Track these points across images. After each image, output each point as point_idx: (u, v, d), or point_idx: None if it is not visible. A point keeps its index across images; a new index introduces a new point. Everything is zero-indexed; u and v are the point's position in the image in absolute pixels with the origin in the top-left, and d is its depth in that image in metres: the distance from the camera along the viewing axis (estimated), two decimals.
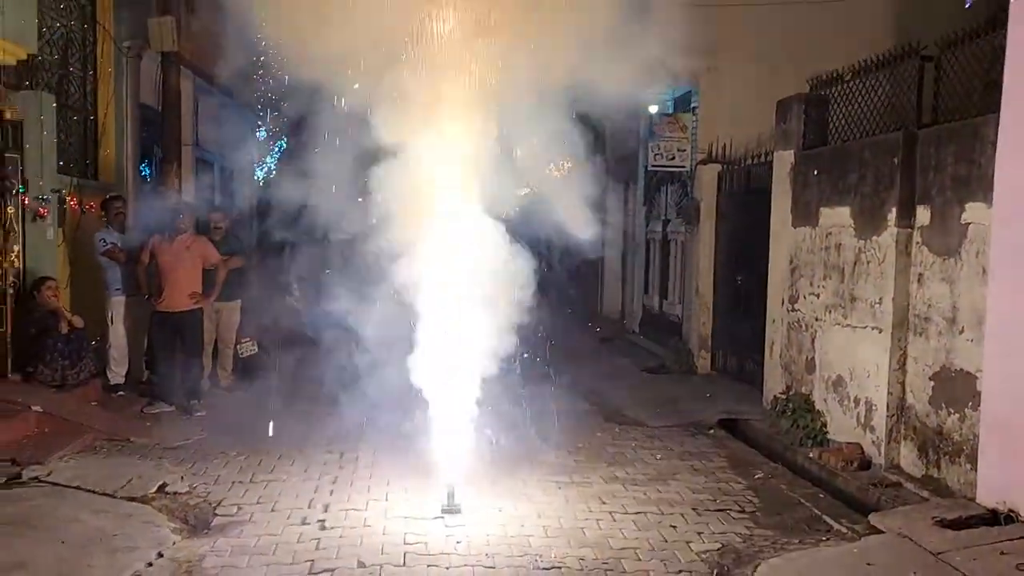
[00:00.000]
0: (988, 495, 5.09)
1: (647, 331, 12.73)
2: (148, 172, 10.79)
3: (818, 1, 10.03)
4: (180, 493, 5.63)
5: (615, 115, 13.36)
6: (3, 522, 4.80)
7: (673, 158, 10.82)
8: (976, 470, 5.27)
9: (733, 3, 10.06)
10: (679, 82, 10.63)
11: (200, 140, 12.20)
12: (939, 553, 4.55)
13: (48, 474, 5.79)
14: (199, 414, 7.76)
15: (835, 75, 7.35)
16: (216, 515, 5.29)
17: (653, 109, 11.58)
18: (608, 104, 12.32)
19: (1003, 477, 5.00)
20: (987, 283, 5.24)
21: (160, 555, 4.59)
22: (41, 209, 7.74)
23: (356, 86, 5.84)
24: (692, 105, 10.96)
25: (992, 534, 4.72)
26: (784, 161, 7.99)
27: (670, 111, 11.30)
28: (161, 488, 5.67)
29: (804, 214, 7.55)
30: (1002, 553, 4.46)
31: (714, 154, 10.32)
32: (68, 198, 8.33)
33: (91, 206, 8.78)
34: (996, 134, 5.16)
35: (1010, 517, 4.87)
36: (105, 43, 9.39)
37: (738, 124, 9.88)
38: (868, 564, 4.60)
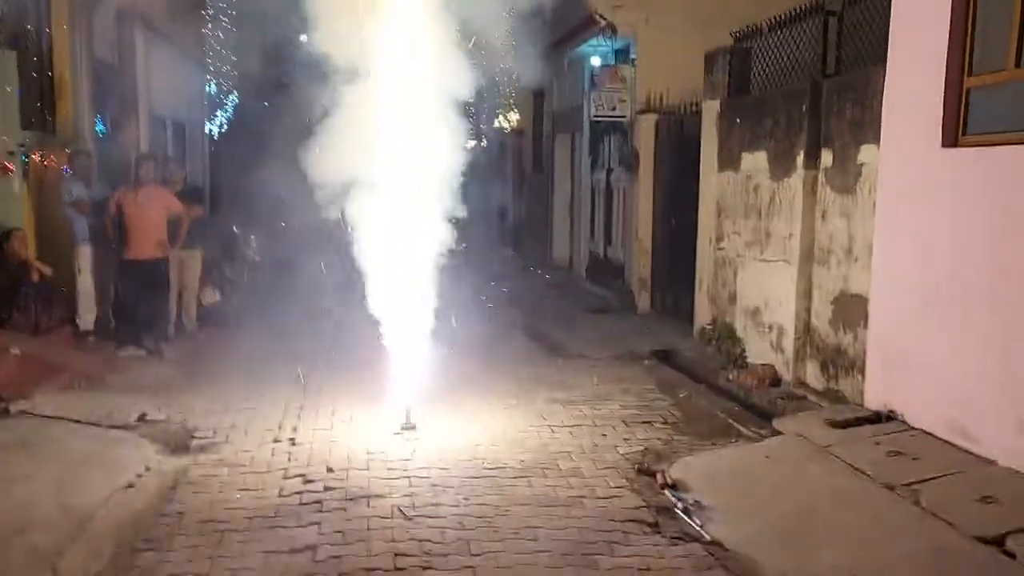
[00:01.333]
0: (873, 400, 5.89)
1: (593, 275, 13.42)
2: (104, 127, 11.04)
3: None
4: (159, 421, 6.18)
5: (559, 67, 13.90)
6: (4, 445, 5.31)
7: (614, 108, 11.36)
8: (865, 380, 6.06)
9: None
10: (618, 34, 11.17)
11: (153, 94, 12.40)
12: (826, 446, 5.33)
13: (34, 408, 6.27)
14: (169, 356, 8.25)
15: (755, 28, 7.97)
16: (194, 438, 5.86)
17: (596, 61, 12.12)
18: (552, 55, 12.81)
19: (884, 384, 5.80)
20: (875, 214, 5.97)
21: (148, 468, 5.17)
22: (7, 164, 8.05)
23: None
24: (631, 57, 11.50)
25: (871, 430, 5.52)
26: (712, 110, 8.63)
27: (610, 63, 11.83)
28: (141, 418, 6.20)
29: (728, 159, 8.22)
30: (876, 443, 5.25)
31: (652, 104, 10.91)
32: (31, 153, 8.62)
33: (52, 160, 9.08)
34: (883, 83, 5.84)
35: (889, 417, 5.67)
36: None
37: (674, 75, 10.44)
38: (767, 457, 5.38)
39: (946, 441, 5.14)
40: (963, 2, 5.13)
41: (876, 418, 5.70)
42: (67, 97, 9.84)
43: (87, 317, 8.63)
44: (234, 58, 16.36)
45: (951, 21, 5.17)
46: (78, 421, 6.02)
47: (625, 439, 5.87)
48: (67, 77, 9.73)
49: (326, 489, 4.87)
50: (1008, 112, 4.93)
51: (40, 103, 9.50)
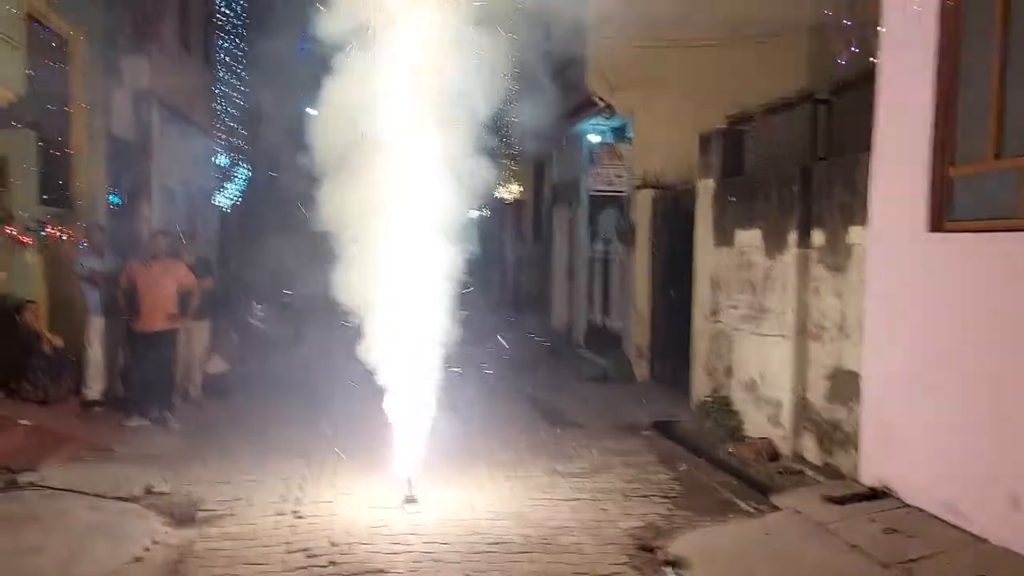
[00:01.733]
0: (868, 476, 5.99)
1: (591, 344, 13.59)
2: (118, 200, 11.35)
3: (740, 42, 11.05)
4: (164, 493, 6.25)
5: (559, 141, 14.32)
6: (13, 517, 5.40)
7: (612, 183, 11.72)
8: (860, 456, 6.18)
9: (664, 44, 11.02)
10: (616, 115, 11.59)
11: (165, 168, 12.77)
12: (823, 523, 5.42)
13: (42, 479, 6.36)
14: (174, 426, 8.35)
15: (748, 114, 8.32)
16: (199, 511, 5.93)
17: (594, 139, 12.53)
18: (552, 131, 13.21)
19: (878, 460, 5.91)
20: (864, 295, 6.17)
21: (155, 542, 5.24)
22: (24, 238, 8.31)
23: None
24: (628, 135, 11.89)
25: (867, 507, 5.60)
26: (706, 188, 8.92)
27: (609, 141, 12.22)
28: (147, 489, 6.29)
29: (723, 235, 8.47)
30: (872, 521, 5.34)
31: (648, 181, 11.26)
32: (47, 227, 8.89)
33: (68, 234, 9.35)
34: (870, 168, 6.11)
35: (884, 493, 5.76)
36: (79, 80, 9.98)
37: (670, 153, 10.83)
38: (765, 534, 5.46)
39: (940, 519, 5.22)
40: (944, 96, 5.42)
41: (872, 494, 5.79)
42: (83, 173, 10.19)
43: (95, 387, 8.77)
44: (243, 132, 16.85)
45: (934, 113, 5.45)
46: (85, 493, 6.10)
47: (626, 514, 5.95)
48: (84, 154, 10.09)
49: (329, 564, 4.94)
50: (990, 200, 5.17)
51: (57, 178, 9.83)
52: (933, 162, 5.49)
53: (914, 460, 5.56)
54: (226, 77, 16.27)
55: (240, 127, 17.38)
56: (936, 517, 5.26)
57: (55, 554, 4.89)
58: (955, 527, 5.07)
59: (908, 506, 5.52)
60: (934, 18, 5.38)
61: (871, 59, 5.97)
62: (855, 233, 6.42)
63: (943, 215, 5.48)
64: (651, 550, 5.23)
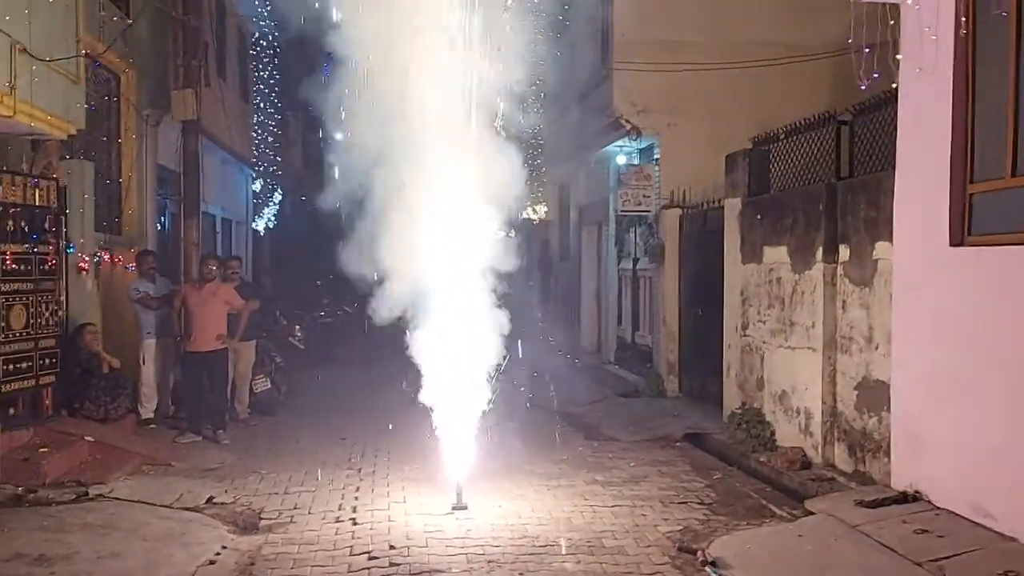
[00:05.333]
0: (899, 481, 6.23)
1: (621, 360, 13.86)
2: (165, 226, 11.84)
3: (764, 64, 11.39)
4: (227, 504, 6.62)
5: (587, 166, 14.71)
6: (91, 526, 5.77)
7: (639, 204, 12.04)
8: (891, 462, 6.42)
9: (690, 67, 11.39)
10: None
11: (207, 195, 13.28)
12: (856, 526, 5.68)
13: (110, 492, 6.76)
14: (225, 442, 8.73)
15: (772, 134, 8.63)
16: (261, 519, 6.28)
17: (621, 160, 12.88)
18: (580, 152, 13.60)
19: (908, 466, 6.16)
20: (892, 308, 6.45)
21: (224, 547, 5.58)
22: (82, 263, 8.76)
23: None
24: (655, 156, 12.23)
25: (898, 510, 5.85)
26: (733, 207, 9.23)
27: (636, 162, 12.57)
28: (209, 500, 6.67)
29: (751, 252, 8.76)
30: (903, 522, 5.59)
31: (675, 200, 11.57)
32: (103, 253, 9.35)
33: (119, 259, 9.81)
34: (893, 186, 6.40)
35: (915, 497, 6.00)
36: (129, 113, 10.49)
37: (696, 173, 11.13)
38: (800, 536, 5.72)
39: (969, 520, 5.47)
40: (962, 117, 5.72)
41: (903, 498, 6.03)
42: (133, 201, 10.68)
43: (149, 406, 9.18)
44: (278, 158, 17.37)
45: (952, 134, 5.75)
46: (153, 504, 6.48)
47: (664, 519, 6.23)
48: (134, 183, 10.58)
49: (391, 565, 5.27)
50: (1008, 215, 5.45)
51: (109, 206, 10.31)
52: (953, 180, 5.78)
53: (943, 465, 5.80)
54: (261, 106, 16.84)
55: (274, 153, 17.93)
56: (966, 518, 5.50)
57: (136, 559, 5.25)
58: (984, 527, 5.31)
59: (938, 508, 5.76)
60: (951, 44, 5.69)
61: (893, 84, 6.26)
62: (880, 248, 6.69)
63: (964, 230, 5.76)
64: (691, 551, 5.50)
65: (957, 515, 5.58)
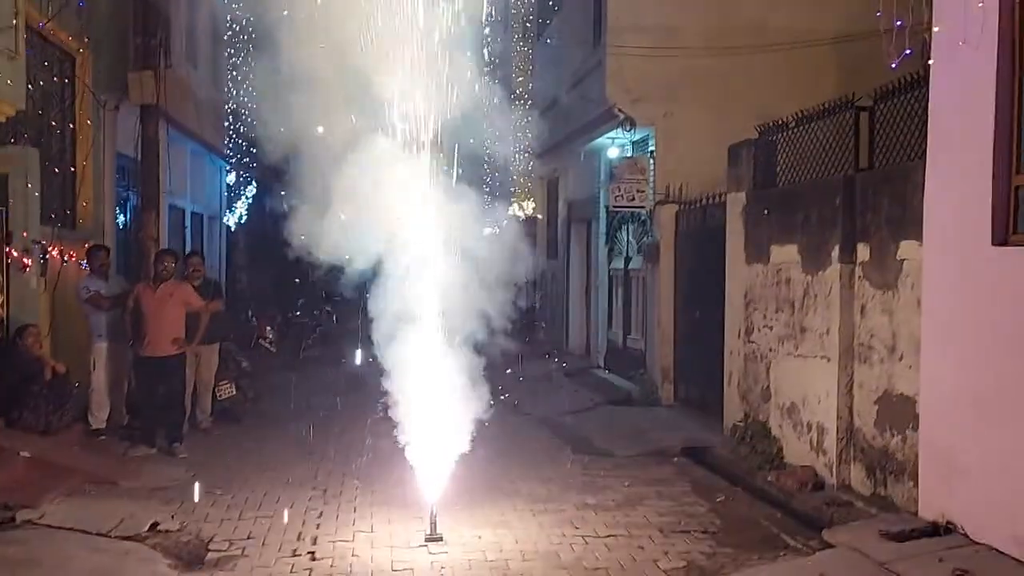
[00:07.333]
0: (928, 510, 5.54)
1: (612, 364, 13.16)
2: (124, 220, 11.03)
3: (765, 50, 10.72)
4: (172, 531, 5.85)
5: (575, 156, 14.01)
6: (8, 561, 5.01)
7: (633, 199, 11.32)
8: (918, 487, 5.73)
9: (686, 52, 10.70)
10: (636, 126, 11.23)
11: (173, 187, 12.47)
12: (884, 563, 4.98)
13: (41, 517, 5.97)
14: (182, 456, 7.96)
15: (781, 122, 7.93)
16: (209, 550, 5.53)
17: (613, 152, 12.16)
18: (568, 145, 12.94)
19: (941, 493, 5.47)
20: (921, 314, 5.75)
21: None
22: (25, 260, 7.96)
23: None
24: (649, 148, 11.52)
25: (932, 544, 5.17)
26: (737, 202, 8.53)
27: (629, 154, 11.85)
28: (153, 527, 5.88)
29: (756, 251, 8.07)
30: (940, 560, 4.90)
31: (671, 195, 10.87)
32: (49, 248, 8.55)
33: (71, 255, 9.01)
34: (924, 178, 5.71)
35: (948, 529, 5.32)
36: (84, 96, 9.68)
37: (694, 166, 10.45)
38: (821, 575, 5.01)
39: (1013, 558, 4.79)
40: (1008, 100, 5.03)
41: (933, 530, 5.35)
42: (89, 192, 9.86)
43: (99, 415, 8.41)
44: (252, 149, 16.57)
45: (995, 118, 5.06)
46: (87, 532, 5.71)
47: (665, 552, 5.52)
48: (88, 172, 9.76)
49: None
50: None
51: (60, 198, 9.50)
52: (996, 170, 5.09)
53: (982, 493, 5.12)
54: (235, 94, 16.03)
55: (248, 145, 17.11)
56: (1009, 556, 4.82)
57: None
58: None
59: (976, 543, 5.08)
60: (996, 13, 5.00)
61: (924, 64, 5.57)
62: (906, 247, 6.01)
63: (1009, 227, 5.08)
64: None
65: (999, 552, 4.90)
